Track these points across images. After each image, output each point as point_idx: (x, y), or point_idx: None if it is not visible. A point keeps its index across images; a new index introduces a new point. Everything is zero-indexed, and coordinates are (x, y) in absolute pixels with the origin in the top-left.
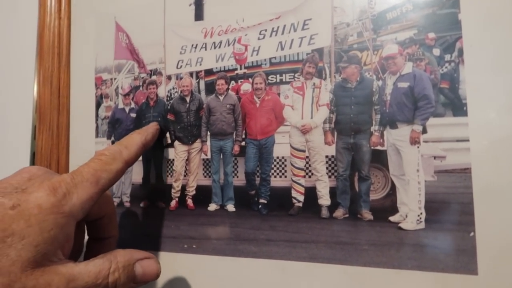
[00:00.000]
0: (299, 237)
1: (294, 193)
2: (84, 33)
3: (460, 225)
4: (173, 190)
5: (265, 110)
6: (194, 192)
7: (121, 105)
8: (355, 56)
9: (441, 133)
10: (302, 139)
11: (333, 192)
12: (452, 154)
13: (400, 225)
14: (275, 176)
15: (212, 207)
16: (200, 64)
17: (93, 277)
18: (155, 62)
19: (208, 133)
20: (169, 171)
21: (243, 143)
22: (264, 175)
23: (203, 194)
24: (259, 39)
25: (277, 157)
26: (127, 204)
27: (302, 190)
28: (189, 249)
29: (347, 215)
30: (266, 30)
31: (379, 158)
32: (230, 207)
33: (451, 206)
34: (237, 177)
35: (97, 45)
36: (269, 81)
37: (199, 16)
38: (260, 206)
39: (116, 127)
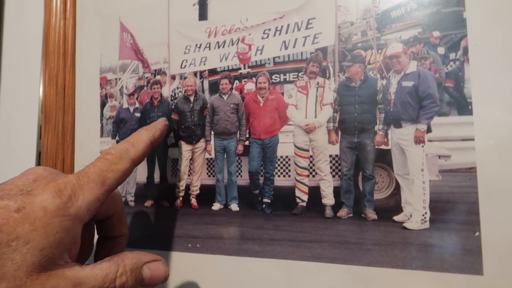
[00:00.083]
0: (303, 237)
1: (298, 193)
2: (89, 34)
3: (465, 224)
4: (177, 190)
5: (269, 109)
6: (198, 191)
7: (125, 105)
8: (359, 55)
9: (446, 132)
10: (306, 138)
11: (337, 191)
12: (457, 153)
13: (404, 224)
14: (279, 176)
15: (216, 206)
16: (204, 64)
17: (100, 281)
18: (159, 62)
19: (212, 133)
20: (173, 171)
21: (246, 143)
22: (268, 174)
23: (207, 194)
24: (262, 38)
25: (281, 157)
26: (132, 204)
27: (306, 189)
28: (193, 248)
29: (351, 215)
30: (270, 30)
31: (383, 158)
32: (234, 207)
33: (456, 205)
34: (241, 176)
35: (102, 45)
36: (273, 80)
37: (203, 15)
38: (264, 206)
39: (120, 127)
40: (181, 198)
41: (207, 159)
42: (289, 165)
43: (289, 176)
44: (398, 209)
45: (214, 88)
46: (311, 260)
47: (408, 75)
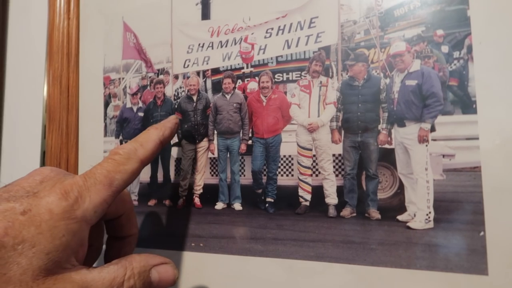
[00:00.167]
0: (306, 236)
1: (301, 192)
2: (93, 34)
3: (470, 224)
4: (180, 189)
5: (272, 108)
6: (201, 190)
7: (129, 105)
8: (362, 54)
9: (450, 131)
10: (309, 137)
11: (340, 191)
12: (461, 152)
13: (408, 224)
14: (282, 175)
15: (219, 205)
16: (207, 63)
17: (108, 285)
18: (162, 62)
19: (215, 132)
20: (177, 170)
21: (250, 142)
22: (271, 173)
23: (210, 193)
24: (265, 37)
25: (284, 156)
26: (135, 203)
27: (309, 188)
28: (196, 248)
29: (354, 214)
30: (272, 29)
31: (387, 157)
32: (237, 206)
33: (461, 205)
34: (244, 175)
35: (105, 45)
36: (276, 79)
37: (205, 15)
38: (267, 205)
39: (124, 126)
40: (184, 198)
41: (210, 158)
42: (292, 164)
43: (292, 175)
44: (402, 209)
45: (217, 87)
46: (314, 260)
47: (412, 74)
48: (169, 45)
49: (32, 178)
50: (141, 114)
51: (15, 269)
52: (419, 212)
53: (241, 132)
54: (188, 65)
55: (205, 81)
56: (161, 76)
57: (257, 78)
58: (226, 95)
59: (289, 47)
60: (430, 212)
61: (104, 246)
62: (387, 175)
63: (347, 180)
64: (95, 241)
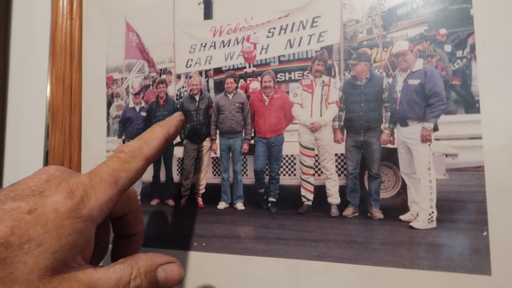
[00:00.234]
0: (308, 236)
1: (303, 192)
2: (95, 34)
3: (473, 224)
4: (182, 189)
5: (274, 108)
6: (203, 190)
7: (131, 104)
8: (364, 53)
9: (453, 130)
10: (311, 137)
11: (342, 190)
12: (464, 152)
13: (411, 224)
14: (284, 175)
15: (222, 205)
16: (209, 63)
17: (114, 284)
18: (165, 61)
19: (217, 132)
20: (179, 170)
21: (252, 142)
22: (273, 173)
23: (213, 193)
24: (267, 37)
25: (286, 155)
26: None
27: (312, 188)
28: (199, 247)
29: (357, 214)
30: (275, 28)
31: (390, 156)
32: (240, 206)
33: (464, 205)
34: (246, 175)
35: (108, 45)
36: (278, 79)
37: (208, 15)
38: (269, 205)
39: (126, 126)
40: (186, 197)
41: (212, 158)
42: (295, 164)
43: (295, 175)
44: (405, 208)
45: (219, 87)
46: (316, 260)
47: (415, 73)
48: (172, 45)
49: (38, 177)
50: (143, 113)
51: (22, 268)
52: (422, 212)
53: (243, 132)
54: (190, 65)
55: (207, 81)
56: (163, 76)
57: (259, 78)
58: (229, 95)
59: (291, 46)
60: (433, 212)
61: (110, 246)
62: (389, 175)
63: (349, 179)
64: (101, 240)
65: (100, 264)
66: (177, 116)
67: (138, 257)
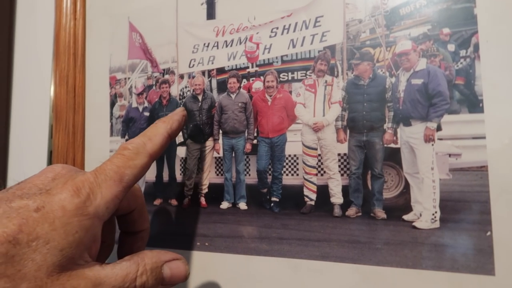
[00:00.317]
0: (311, 236)
1: (306, 191)
2: (99, 34)
3: (477, 224)
4: (185, 188)
5: (277, 108)
6: (206, 190)
7: (134, 104)
8: (367, 53)
9: (456, 130)
10: (314, 137)
11: (345, 190)
12: (468, 151)
13: (414, 224)
14: (287, 174)
15: (224, 205)
16: (212, 63)
17: (120, 281)
18: (168, 61)
19: (220, 132)
20: (182, 169)
21: (255, 141)
22: (276, 173)
23: (216, 192)
24: (270, 37)
25: (289, 155)
26: None
27: (314, 188)
28: (202, 247)
29: (360, 214)
30: (277, 28)
31: (393, 156)
32: (242, 205)
33: (467, 204)
34: (249, 175)
35: (111, 45)
36: (281, 79)
37: (211, 15)
38: (272, 204)
39: (130, 126)
40: (189, 197)
41: (215, 157)
42: (297, 163)
43: (297, 174)
44: (408, 208)
45: (222, 87)
46: (319, 259)
47: (418, 72)
48: (175, 45)
49: (44, 176)
50: (146, 113)
51: (30, 266)
52: (425, 211)
53: (246, 132)
54: (193, 65)
55: (210, 81)
56: (166, 76)
57: (262, 78)
58: (231, 95)
59: (294, 46)
60: (436, 212)
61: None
62: (392, 175)
63: (352, 179)
64: (107, 238)
65: (107, 261)
66: (180, 112)
67: (144, 254)
